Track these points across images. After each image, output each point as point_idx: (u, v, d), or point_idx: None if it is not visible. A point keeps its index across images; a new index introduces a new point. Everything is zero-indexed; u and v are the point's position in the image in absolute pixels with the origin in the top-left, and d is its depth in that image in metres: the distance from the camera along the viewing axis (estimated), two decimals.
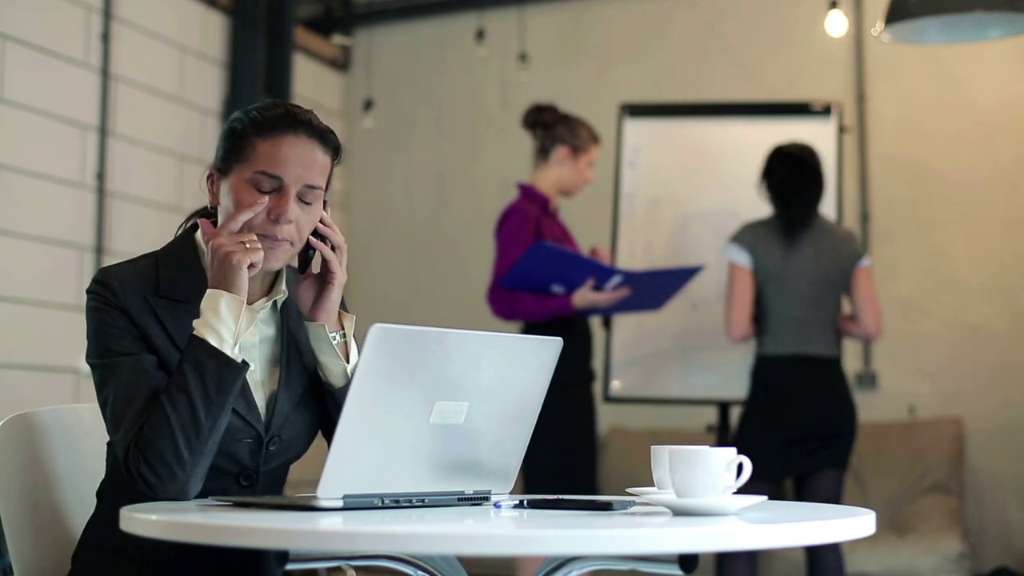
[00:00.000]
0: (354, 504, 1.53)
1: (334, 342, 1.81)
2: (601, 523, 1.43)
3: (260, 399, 1.81)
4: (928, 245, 5.18)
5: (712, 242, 4.41)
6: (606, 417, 4.87)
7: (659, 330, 4.37)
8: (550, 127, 3.93)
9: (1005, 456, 4.99)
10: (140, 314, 1.75)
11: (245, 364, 1.72)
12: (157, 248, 1.87)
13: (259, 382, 1.82)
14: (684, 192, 4.55)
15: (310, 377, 1.86)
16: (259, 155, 1.77)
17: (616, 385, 4.41)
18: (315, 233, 1.82)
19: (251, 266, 1.72)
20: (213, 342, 1.69)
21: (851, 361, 4.26)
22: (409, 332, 1.51)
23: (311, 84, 5.87)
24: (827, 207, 4.04)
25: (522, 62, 5.71)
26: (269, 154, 1.76)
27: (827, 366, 3.70)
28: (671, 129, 4.66)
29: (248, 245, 1.72)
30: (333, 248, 1.83)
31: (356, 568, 1.84)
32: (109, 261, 4.24)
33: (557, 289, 3.77)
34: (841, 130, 4.51)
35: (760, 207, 4.03)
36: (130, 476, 1.68)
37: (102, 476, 1.87)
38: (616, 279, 3.76)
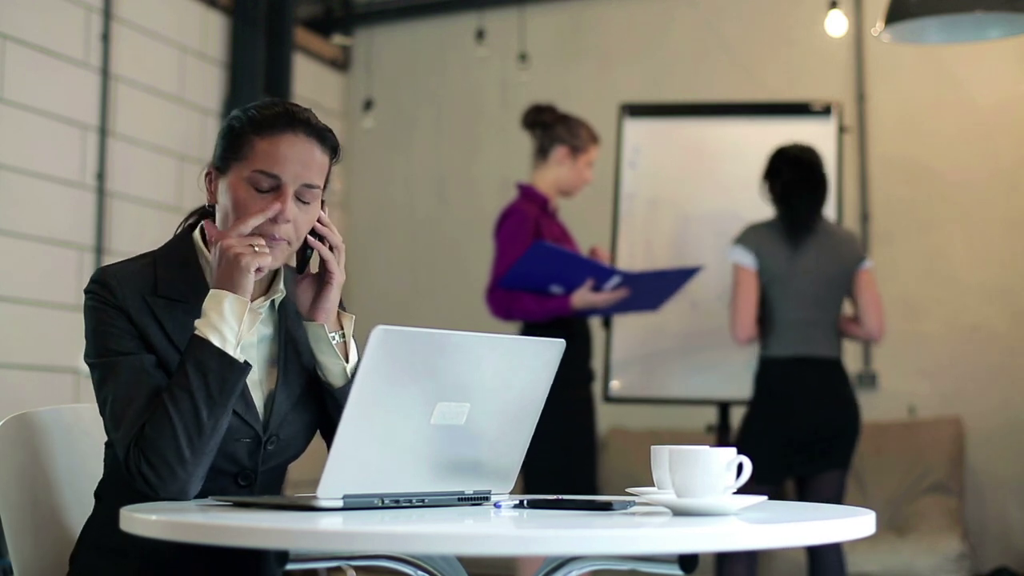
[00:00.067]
0: (354, 504, 1.53)
1: (333, 342, 1.81)
2: (601, 523, 1.43)
3: (258, 399, 1.81)
4: (928, 245, 5.18)
5: (712, 242, 4.41)
6: (606, 417, 4.87)
7: (659, 330, 4.37)
8: (549, 127, 3.93)
9: (1005, 456, 4.99)
10: (139, 313, 1.75)
11: (248, 365, 1.72)
12: (156, 248, 1.87)
13: (257, 382, 1.82)
14: (684, 192, 4.55)
15: (308, 377, 1.86)
16: (257, 154, 1.77)
17: (616, 385, 4.41)
18: (313, 233, 1.82)
19: (258, 269, 1.73)
20: (216, 342, 1.69)
21: (851, 361, 4.26)
22: (411, 334, 1.52)
23: (311, 84, 5.87)
24: (827, 207, 4.04)
25: (522, 62, 5.71)
26: (267, 153, 1.76)
27: (830, 367, 3.70)
28: (671, 129, 4.66)
29: (257, 249, 1.73)
30: (331, 248, 1.82)
31: (356, 568, 1.84)
32: (109, 261, 4.22)
33: (556, 289, 3.77)
34: (841, 130, 4.51)
35: (760, 207, 4.03)
36: (130, 475, 1.67)
37: (101, 476, 1.87)
38: (615, 280, 3.76)
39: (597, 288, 3.75)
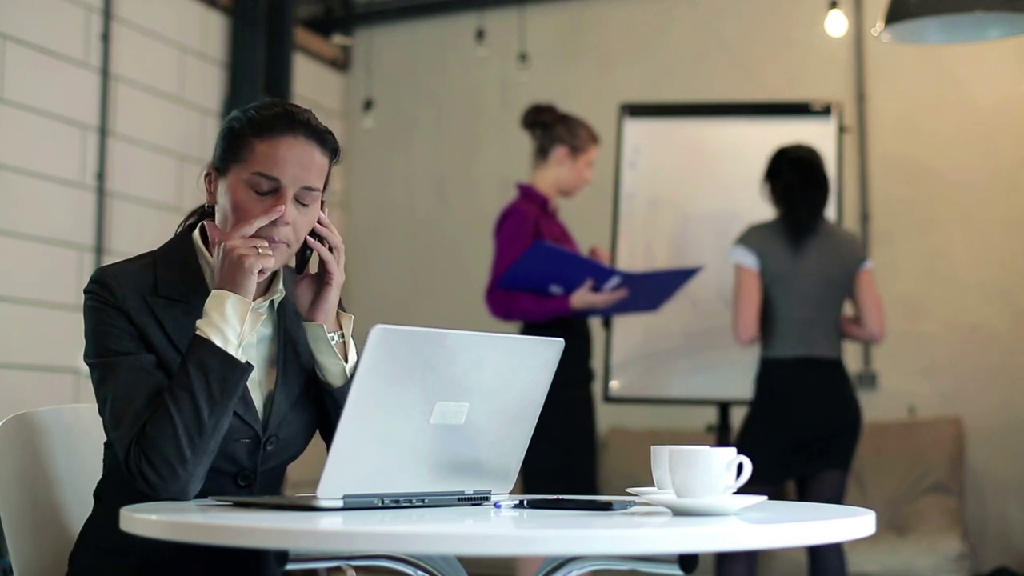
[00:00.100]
0: (354, 504, 1.53)
1: (332, 342, 1.81)
2: (601, 523, 1.43)
3: (257, 399, 1.81)
4: (928, 245, 5.18)
5: (712, 242, 4.41)
6: (606, 417, 4.87)
7: (659, 330, 4.37)
8: (549, 127, 3.93)
9: (1005, 456, 4.99)
10: (138, 313, 1.75)
11: (250, 365, 1.72)
12: (155, 248, 1.87)
13: (256, 382, 1.82)
14: (684, 192, 4.55)
15: (307, 377, 1.86)
16: (257, 156, 1.76)
17: (616, 385, 4.41)
18: (313, 233, 1.81)
19: (261, 271, 1.73)
20: (218, 342, 1.69)
21: (851, 361, 4.26)
22: (410, 333, 1.52)
23: (311, 84, 5.87)
24: (828, 208, 4.04)
25: (522, 62, 5.71)
26: (267, 155, 1.76)
27: (832, 368, 3.70)
28: (671, 129, 4.66)
29: (260, 250, 1.73)
30: (331, 248, 1.82)
31: (356, 568, 1.84)
32: (109, 261, 4.22)
33: (555, 290, 3.77)
34: (841, 130, 4.51)
35: (760, 207, 4.03)
36: (131, 475, 1.67)
37: (100, 477, 1.87)
38: (615, 280, 3.76)
39: (597, 288, 3.75)
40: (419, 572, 1.61)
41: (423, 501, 1.61)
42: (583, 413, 3.84)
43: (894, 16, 3.42)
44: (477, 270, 4.62)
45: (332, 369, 1.83)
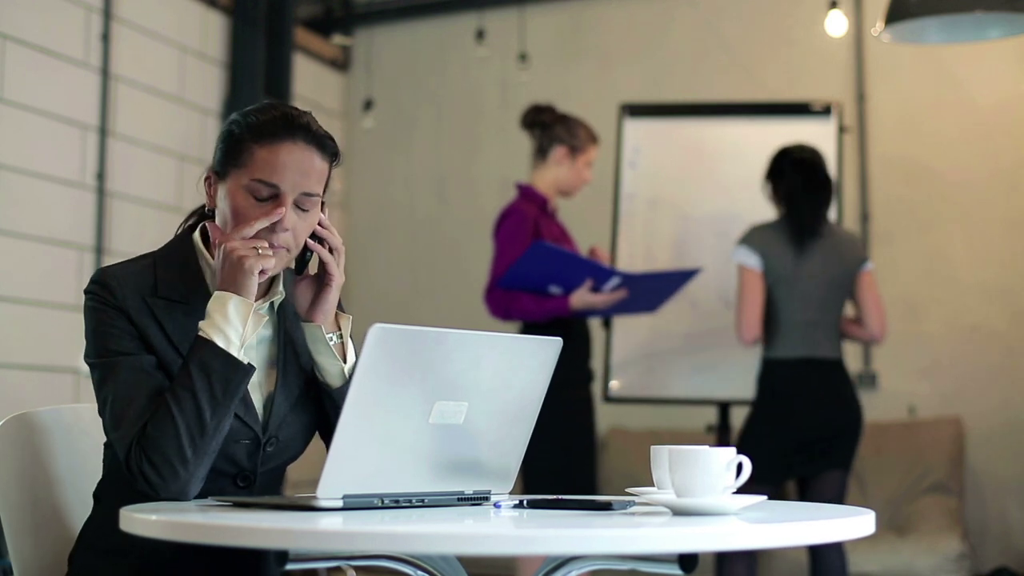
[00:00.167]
0: (354, 504, 1.53)
1: (331, 343, 1.81)
2: (601, 523, 1.43)
3: (257, 400, 1.81)
4: (928, 245, 5.18)
5: (712, 242, 4.41)
6: (606, 417, 4.87)
7: (659, 330, 4.37)
8: (548, 127, 3.93)
9: (1005, 456, 4.99)
10: (138, 314, 1.75)
11: (252, 367, 1.72)
12: (156, 248, 1.87)
13: (256, 383, 1.82)
14: (684, 192, 4.55)
15: (307, 378, 1.87)
16: (256, 162, 1.76)
17: (615, 385, 4.41)
18: (313, 235, 1.81)
19: (261, 272, 1.73)
20: (220, 343, 1.69)
21: (851, 361, 4.26)
22: (409, 332, 1.51)
23: (311, 84, 5.87)
24: (829, 208, 4.04)
25: (522, 62, 5.71)
26: (266, 161, 1.76)
27: (833, 368, 3.70)
28: (671, 129, 4.66)
29: (260, 251, 1.73)
30: (331, 250, 1.82)
31: (356, 568, 1.84)
32: (109, 261, 4.23)
33: (555, 290, 3.77)
34: (841, 130, 4.51)
35: (760, 207, 4.03)
36: (131, 475, 1.68)
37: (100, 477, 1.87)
38: (614, 280, 3.76)
39: (596, 289, 3.75)
40: (419, 572, 1.61)
41: (423, 501, 1.61)
42: (583, 413, 3.84)
43: (894, 16, 3.42)
44: (477, 270, 4.62)
45: (330, 370, 1.83)
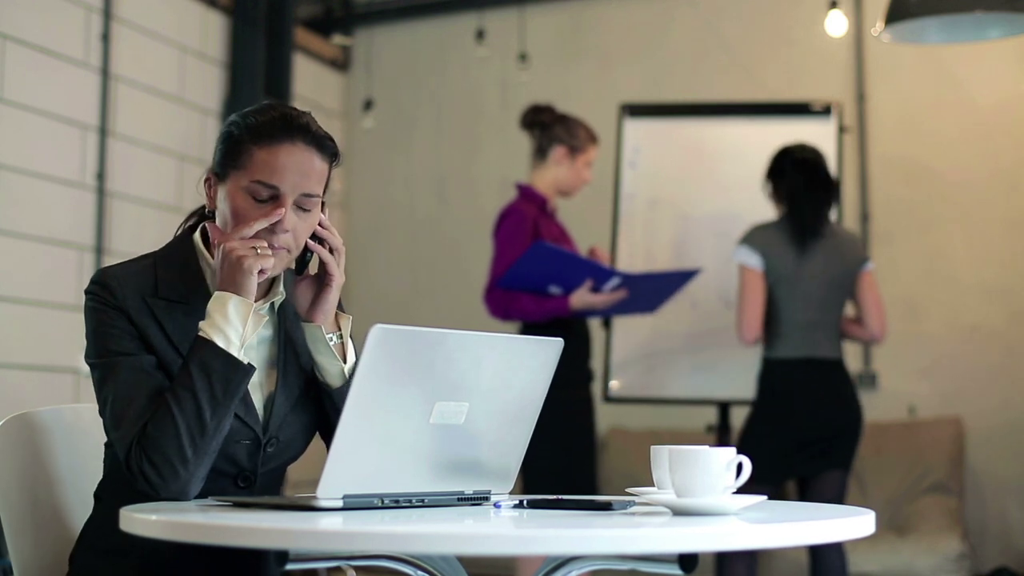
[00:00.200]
0: (354, 504, 1.53)
1: (331, 343, 1.81)
2: (601, 523, 1.43)
3: (258, 400, 1.81)
4: (928, 245, 5.18)
5: (712, 242, 4.41)
6: (606, 417, 4.87)
7: (659, 330, 4.37)
8: (547, 127, 3.93)
9: (1005, 456, 4.99)
10: (139, 314, 1.75)
11: (252, 367, 1.72)
12: (156, 248, 1.87)
13: (257, 384, 1.82)
14: (684, 192, 4.55)
15: (307, 378, 1.87)
16: (256, 163, 1.76)
17: (615, 385, 4.41)
18: (313, 235, 1.81)
19: (261, 272, 1.73)
20: (220, 343, 1.69)
21: (851, 361, 4.26)
22: (410, 333, 1.52)
23: (311, 84, 5.87)
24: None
25: (522, 62, 5.71)
26: (266, 162, 1.75)
27: (833, 368, 3.70)
28: (671, 129, 4.66)
29: (259, 251, 1.73)
30: (331, 250, 1.82)
31: (356, 568, 1.84)
32: (109, 261, 4.24)
33: (554, 290, 3.77)
34: (841, 130, 4.51)
35: (760, 207, 4.03)
36: (131, 475, 1.68)
37: (101, 477, 1.87)
38: (614, 281, 3.76)
39: (596, 289, 3.75)
40: (419, 572, 1.61)
41: (423, 501, 1.61)
42: (583, 413, 3.84)
43: (894, 16, 3.42)
44: (477, 270, 4.62)
45: (330, 370, 1.83)
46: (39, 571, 1.90)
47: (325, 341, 1.81)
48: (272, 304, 1.86)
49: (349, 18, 6.20)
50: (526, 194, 3.91)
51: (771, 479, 3.56)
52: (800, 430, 3.64)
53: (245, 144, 1.77)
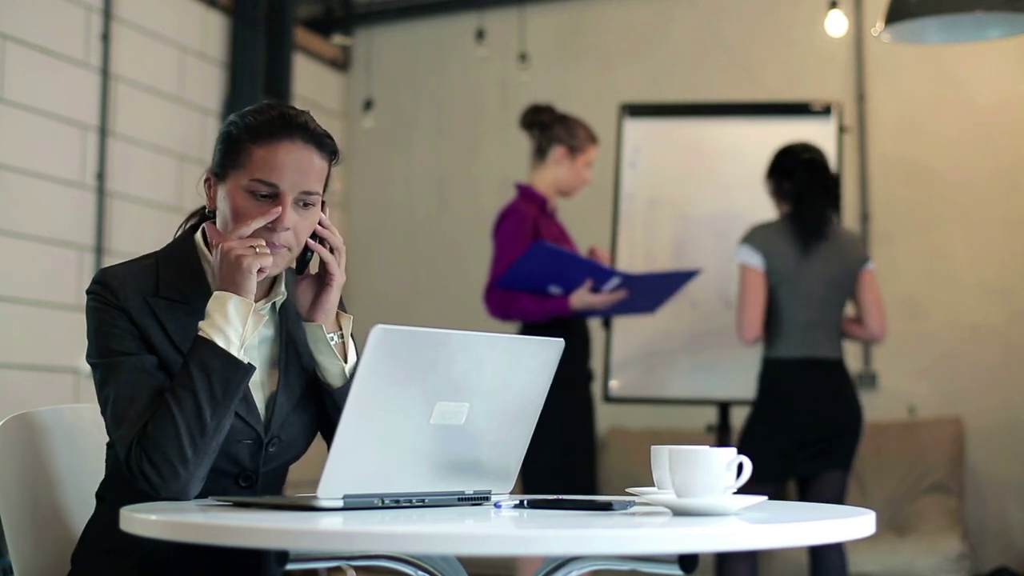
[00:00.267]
0: (354, 504, 1.53)
1: (332, 343, 1.81)
2: (601, 523, 1.43)
3: (259, 400, 1.81)
4: (928, 245, 5.19)
5: (712, 242, 4.41)
6: (606, 417, 4.87)
7: (659, 330, 4.37)
8: (547, 127, 3.93)
9: (1005, 456, 4.99)
10: (140, 314, 1.75)
11: (252, 366, 1.72)
12: (157, 248, 1.87)
13: (258, 383, 1.82)
14: (684, 192, 4.55)
15: (308, 378, 1.87)
16: (255, 162, 1.76)
17: (615, 385, 4.41)
18: (314, 235, 1.81)
19: (260, 271, 1.73)
20: (220, 343, 1.69)
21: (851, 361, 4.26)
22: (410, 333, 1.52)
23: (311, 84, 5.87)
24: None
25: (522, 62, 5.71)
26: (265, 160, 1.76)
27: (834, 368, 3.70)
28: (671, 129, 4.66)
29: (258, 250, 1.73)
30: (332, 249, 1.82)
31: (356, 568, 1.84)
32: (109, 261, 4.24)
33: (554, 290, 3.77)
34: (841, 130, 4.51)
35: (760, 207, 4.03)
36: (131, 474, 1.68)
37: (103, 476, 1.87)
38: (614, 281, 3.76)
39: (596, 289, 3.75)
40: (419, 572, 1.61)
41: (423, 501, 1.61)
42: (583, 413, 3.84)
43: (894, 16, 3.42)
44: (477, 270, 4.62)
45: (331, 369, 1.83)
46: (39, 571, 1.91)
47: (326, 341, 1.81)
48: (274, 304, 1.86)
49: (349, 18, 6.21)
50: (526, 194, 3.91)
51: (771, 479, 3.56)
52: (800, 430, 3.64)
53: (244, 143, 1.77)
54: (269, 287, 1.87)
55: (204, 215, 1.89)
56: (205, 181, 1.85)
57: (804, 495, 3.72)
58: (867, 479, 4.86)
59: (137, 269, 1.80)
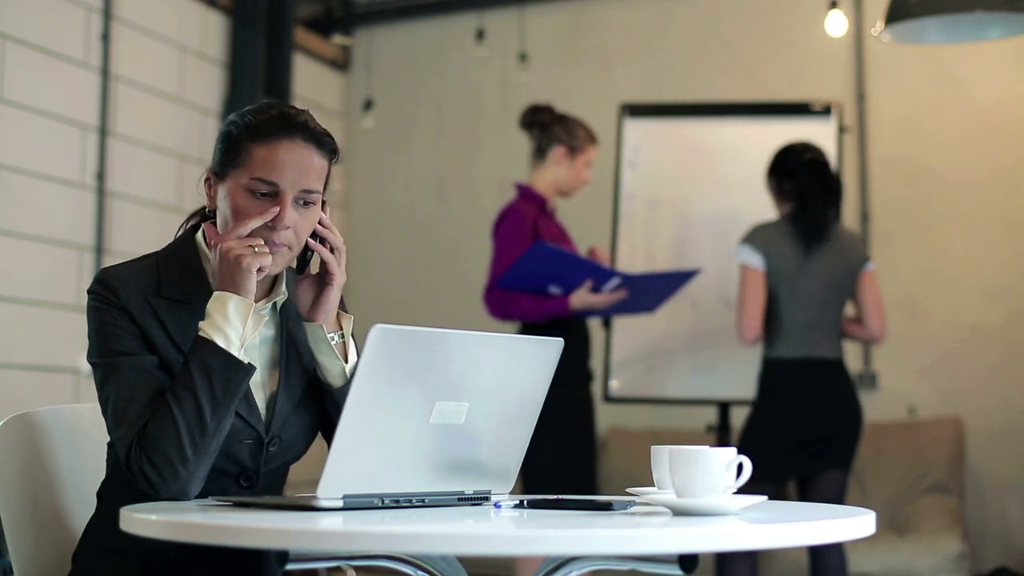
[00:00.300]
0: (354, 504, 1.53)
1: (332, 342, 1.81)
2: (601, 523, 1.43)
3: (260, 400, 1.81)
4: (928, 245, 5.19)
5: (712, 242, 4.41)
6: (606, 417, 4.87)
7: (659, 330, 4.37)
8: (547, 127, 3.93)
9: (1005, 456, 4.99)
10: (141, 314, 1.75)
11: (252, 366, 1.72)
12: (157, 248, 1.88)
13: (259, 383, 1.82)
14: (684, 192, 4.55)
15: (309, 378, 1.87)
16: (255, 161, 1.76)
17: (615, 385, 4.41)
18: (314, 234, 1.81)
19: (259, 270, 1.73)
20: (220, 343, 1.69)
21: (851, 361, 4.26)
22: (410, 332, 1.52)
23: (311, 84, 5.87)
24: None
25: (522, 62, 5.71)
26: (265, 159, 1.76)
27: (833, 368, 3.70)
28: (671, 129, 4.66)
29: (256, 249, 1.73)
30: (332, 249, 1.82)
31: (356, 568, 1.84)
32: (109, 261, 4.24)
33: (554, 290, 3.77)
34: (841, 130, 4.51)
35: (760, 207, 4.03)
36: (131, 474, 1.68)
37: (103, 476, 1.87)
38: (614, 281, 3.76)
39: (596, 289, 3.75)
40: (419, 572, 1.61)
41: (423, 501, 1.61)
42: (583, 413, 3.84)
43: (894, 16, 3.42)
44: (477, 270, 4.62)
45: (332, 369, 1.83)
46: (39, 571, 1.91)
47: (327, 340, 1.81)
48: (275, 304, 1.86)
49: (349, 18, 6.21)
50: (525, 194, 3.91)
51: (771, 479, 3.55)
52: (800, 430, 3.64)
53: (244, 142, 1.77)
54: (270, 287, 1.87)
55: (205, 215, 1.89)
56: (205, 181, 1.85)
57: (804, 495, 3.72)
58: (867, 479, 4.86)
59: (138, 269, 1.80)
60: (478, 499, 1.69)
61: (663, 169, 4.60)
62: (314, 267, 1.84)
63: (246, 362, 1.71)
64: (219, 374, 1.68)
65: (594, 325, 4.09)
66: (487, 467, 1.69)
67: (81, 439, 2.02)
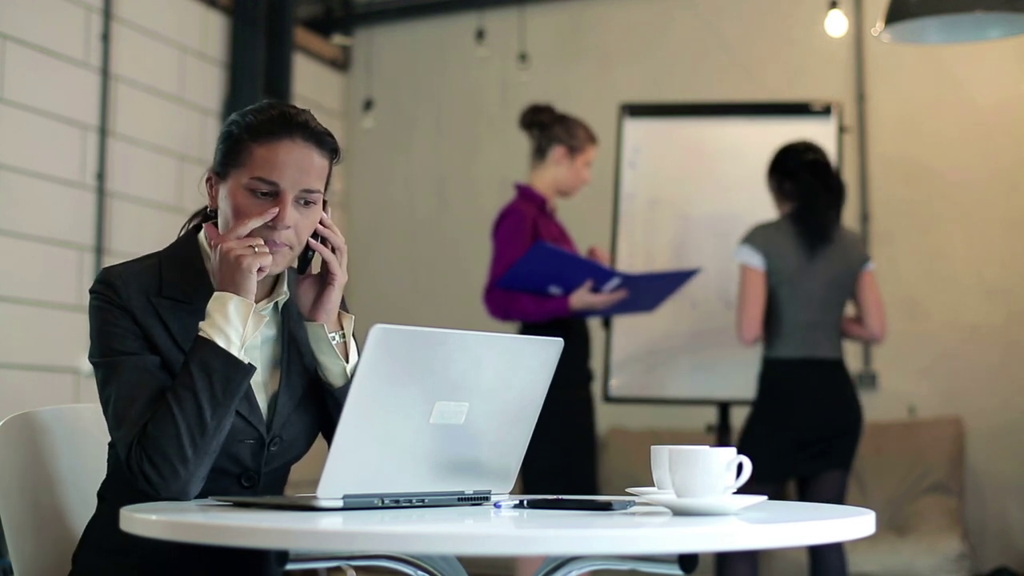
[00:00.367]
0: (354, 504, 1.53)
1: (333, 342, 1.81)
2: (601, 523, 1.43)
3: (261, 400, 1.81)
4: (928, 245, 5.19)
5: (712, 242, 4.41)
6: (606, 417, 4.87)
7: (659, 330, 4.37)
8: (547, 127, 3.93)
9: (1005, 456, 5.00)
10: (143, 314, 1.75)
11: (252, 366, 1.72)
12: (158, 248, 1.88)
13: (260, 383, 1.82)
14: (684, 192, 4.55)
15: (310, 378, 1.87)
16: (256, 160, 1.76)
17: (615, 385, 4.41)
18: (315, 234, 1.82)
19: (259, 270, 1.73)
20: (220, 343, 1.69)
21: (851, 361, 4.26)
22: (410, 332, 1.52)
23: (311, 84, 5.87)
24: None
25: (522, 62, 5.71)
26: (265, 159, 1.76)
27: (834, 368, 3.70)
28: (671, 129, 4.67)
29: (256, 249, 1.73)
30: (333, 249, 1.82)
31: (356, 568, 1.84)
32: (109, 261, 4.24)
33: (554, 290, 3.77)
34: (841, 130, 4.51)
35: (760, 207, 4.03)
36: (132, 474, 1.68)
37: (103, 476, 1.87)
38: (614, 281, 3.76)
39: (596, 289, 3.75)
40: (419, 572, 1.61)
41: (423, 501, 1.61)
42: (583, 413, 3.84)
43: (894, 16, 3.42)
44: (477, 270, 4.62)
45: (333, 369, 1.83)
46: (40, 571, 1.91)
47: (327, 340, 1.81)
48: (276, 304, 1.87)
49: (349, 18, 6.21)
50: (525, 194, 3.91)
51: (771, 479, 3.55)
52: (800, 430, 3.64)
53: (245, 142, 1.77)
54: (271, 287, 1.87)
55: (206, 215, 1.90)
56: (207, 181, 1.85)
57: (804, 495, 3.72)
58: (867, 479, 4.86)
59: (140, 269, 1.80)
60: (478, 499, 1.69)
61: (663, 169, 4.60)
62: (315, 267, 1.84)
63: (246, 362, 1.71)
64: (219, 374, 1.68)
65: (594, 325, 4.09)
66: (487, 467, 1.69)
67: (81, 439, 2.02)
